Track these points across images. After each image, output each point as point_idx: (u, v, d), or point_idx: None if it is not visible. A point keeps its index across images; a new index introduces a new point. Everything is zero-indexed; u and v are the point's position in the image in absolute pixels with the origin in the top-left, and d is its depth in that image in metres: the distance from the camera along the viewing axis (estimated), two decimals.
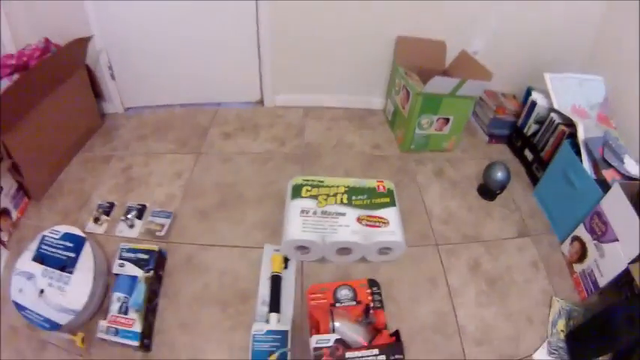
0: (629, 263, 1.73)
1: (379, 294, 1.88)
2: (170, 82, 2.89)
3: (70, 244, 1.88)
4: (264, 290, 1.92)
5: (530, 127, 2.62)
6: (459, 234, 2.28)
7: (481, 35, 2.74)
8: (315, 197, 2.08)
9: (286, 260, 2.04)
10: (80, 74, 2.59)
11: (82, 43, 2.50)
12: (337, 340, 1.62)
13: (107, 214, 2.27)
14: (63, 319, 1.70)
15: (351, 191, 2.12)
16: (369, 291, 1.87)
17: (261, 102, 3.09)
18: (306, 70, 2.94)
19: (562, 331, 1.87)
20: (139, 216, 2.25)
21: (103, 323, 1.72)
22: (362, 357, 1.59)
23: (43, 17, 2.46)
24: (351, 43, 2.81)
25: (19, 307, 1.71)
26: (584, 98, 2.43)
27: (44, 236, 1.90)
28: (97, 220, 2.23)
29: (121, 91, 2.88)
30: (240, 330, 1.77)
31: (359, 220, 2.01)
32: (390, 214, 2.06)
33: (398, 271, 2.07)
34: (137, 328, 1.71)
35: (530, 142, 2.62)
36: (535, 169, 2.55)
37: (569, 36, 2.75)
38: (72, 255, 1.84)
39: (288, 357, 1.66)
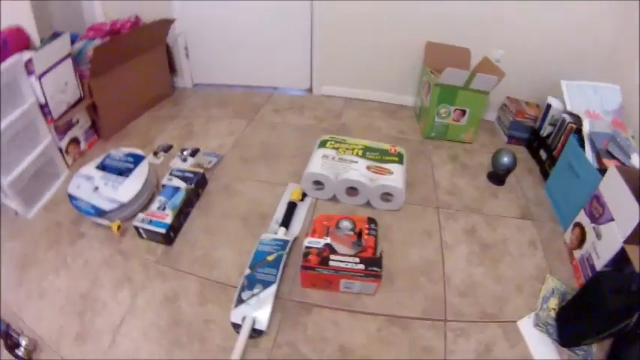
0: (623, 242, 1.78)
1: (375, 230, 2.12)
2: (234, 66, 3.37)
3: (131, 159, 2.23)
4: (280, 213, 2.26)
5: (546, 129, 2.80)
6: (460, 204, 2.48)
7: (502, 44, 2.97)
8: (336, 149, 2.42)
9: (304, 195, 2.38)
10: (160, 49, 3.08)
11: (166, 24, 3.00)
12: (326, 244, 1.91)
13: (165, 151, 2.65)
14: (108, 206, 2.03)
15: (367, 149, 2.45)
16: (367, 226, 2.11)
17: (310, 90, 3.52)
18: (350, 66, 3.37)
19: (553, 309, 1.93)
20: (192, 154, 2.62)
21: (141, 215, 2.07)
22: (343, 261, 1.86)
23: None
24: (389, 46, 3.20)
25: (72, 198, 2.05)
26: (599, 104, 2.55)
27: (110, 152, 2.26)
28: (155, 154, 2.62)
29: (192, 69, 3.37)
30: (252, 239, 2.11)
31: (368, 167, 2.32)
32: (395, 168, 2.36)
33: (397, 220, 2.33)
34: (168, 220, 2.05)
35: (545, 143, 2.79)
36: (547, 167, 2.69)
37: (588, 46, 2.88)
38: (130, 166, 2.19)
39: (283, 259, 1.95)
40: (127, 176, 2.16)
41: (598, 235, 1.95)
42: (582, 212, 2.12)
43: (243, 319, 1.76)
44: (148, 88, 3.09)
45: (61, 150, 2.44)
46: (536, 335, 1.85)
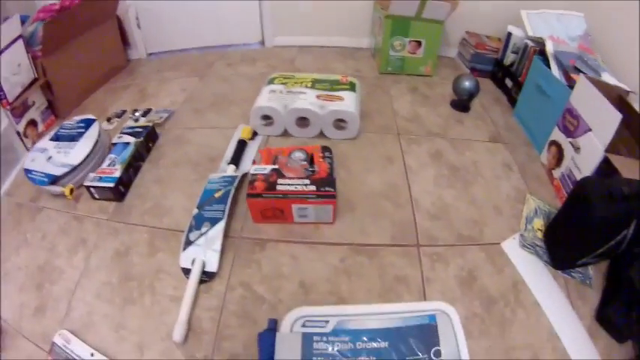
0: (605, 150, 1.57)
1: (330, 158, 1.84)
2: (186, 30, 3.12)
3: (82, 124, 2.05)
4: (229, 152, 1.99)
5: (509, 58, 2.55)
6: (423, 130, 2.21)
7: None
8: (284, 84, 2.15)
9: (254, 134, 2.11)
10: (111, 22, 2.85)
11: None
12: (273, 170, 1.62)
13: (119, 117, 2.42)
14: (60, 171, 1.84)
15: (316, 81, 2.19)
16: (320, 154, 1.83)
17: (262, 43, 3.24)
18: (300, 14, 3.08)
19: (539, 229, 1.70)
20: (144, 115, 2.39)
21: (91, 174, 1.86)
22: (292, 184, 1.58)
23: None
24: None
25: (27, 172, 1.87)
26: (564, 31, 2.31)
27: (63, 123, 2.09)
28: (109, 119, 2.40)
29: (145, 39, 3.10)
30: (202, 182, 1.84)
31: (318, 97, 2.05)
32: (347, 95, 2.09)
33: (354, 148, 2.05)
34: (117, 174, 1.84)
35: (509, 71, 2.55)
36: (514, 94, 2.46)
37: None
38: (82, 131, 2.01)
39: (231, 193, 1.68)
40: (78, 140, 1.96)
41: (576, 149, 1.73)
42: (556, 129, 1.90)
43: (193, 262, 1.50)
44: (102, 62, 2.85)
45: (19, 133, 2.22)
46: (525, 257, 1.59)
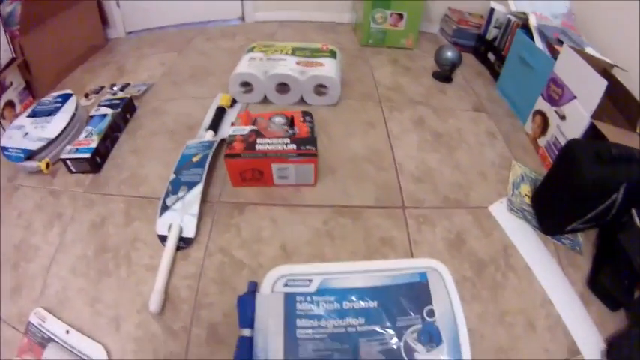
0: (591, 117, 1.49)
1: (311, 122, 1.70)
2: (166, 6, 2.94)
3: (59, 99, 1.90)
4: (208, 119, 1.84)
5: (491, 33, 2.44)
6: (405, 98, 2.07)
7: None
8: (264, 52, 2.00)
9: (233, 101, 1.95)
10: (90, 1, 2.68)
11: None
12: (252, 131, 1.47)
13: (97, 92, 2.26)
14: (36, 145, 1.68)
15: (297, 49, 2.03)
16: (301, 118, 1.69)
17: (242, 18, 3.07)
18: None
19: (527, 195, 1.59)
20: (122, 89, 2.22)
21: (68, 147, 1.70)
22: (272, 144, 1.44)
23: None
24: None
25: (4, 150, 1.71)
26: (547, 9, 2.19)
27: (41, 100, 1.94)
28: (87, 95, 2.23)
29: (125, 17, 2.90)
30: (180, 150, 1.68)
31: (298, 63, 1.90)
32: (327, 61, 1.94)
33: (335, 114, 1.91)
34: (93, 145, 1.68)
35: (492, 45, 2.43)
36: (497, 67, 2.34)
37: None
38: (59, 105, 1.86)
39: (209, 157, 1.54)
40: (55, 114, 1.80)
41: (562, 117, 1.64)
42: (540, 99, 1.80)
43: (169, 228, 1.36)
44: (81, 41, 2.66)
45: None
46: (514, 222, 1.48)
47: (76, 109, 1.83)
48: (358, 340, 1.04)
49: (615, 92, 1.53)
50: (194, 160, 1.55)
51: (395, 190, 1.56)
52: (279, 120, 1.64)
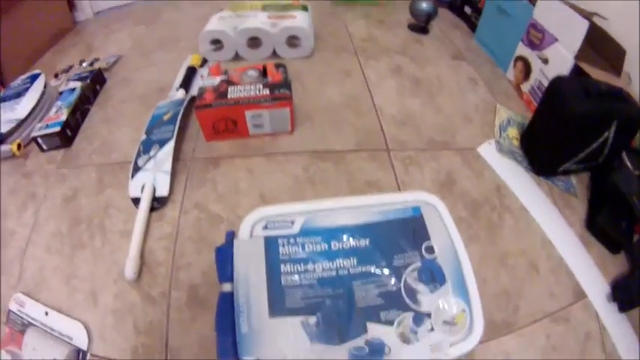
0: (575, 58, 1.36)
1: (285, 72, 1.50)
2: None
3: (28, 80, 1.73)
4: (178, 79, 1.65)
5: None
6: (380, 49, 1.88)
7: None
8: (234, 10, 1.82)
9: (204, 61, 1.77)
10: None
11: None
12: (224, 80, 1.31)
13: (66, 71, 2.05)
14: (5, 127, 1.51)
15: (267, 5, 1.84)
16: (275, 69, 1.50)
17: None
18: None
19: (515, 138, 1.45)
20: (92, 64, 2.02)
21: (38, 125, 1.52)
22: (244, 90, 1.29)
23: None
24: None
25: None
26: None
27: (9, 84, 1.77)
28: (56, 75, 2.03)
29: None
30: (151, 112, 1.48)
31: (269, 17, 1.72)
32: (299, 14, 1.75)
33: (309, 65, 1.72)
34: (63, 118, 1.50)
35: None
36: (474, 19, 2.16)
37: None
38: (27, 86, 1.68)
39: (181, 112, 1.36)
40: (24, 95, 1.62)
41: (544, 61, 1.51)
42: (521, 44, 1.67)
43: (142, 188, 1.19)
44: (48, 26, 2.46)
45: None
46: (504, 162, 1.35)
47: (45, 87, 1.66)
48: (351, 283, 0.88)
49: (597, 39, 1.41)
50: (165, 118, 1.36)
51: (377, 134, 1.39)
52: (251, 72, 1.45)
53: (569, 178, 1.34)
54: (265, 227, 0.93)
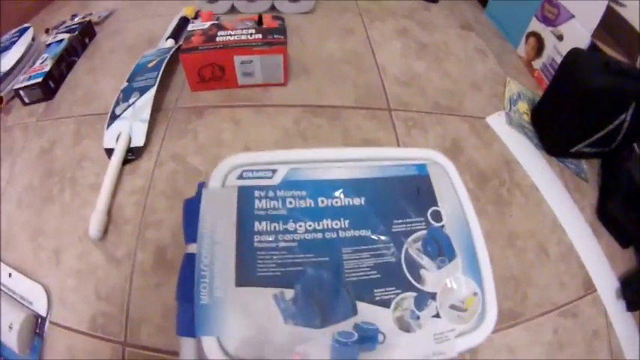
0: (593, 36, 1.15)
1: (283, 24, 1.25)
2: None
3: (17, 34, 1.53)
4: (169, 30, 1.45)
5: None
6: (386, 11, 1.64)
7: None
8: None
9: (197, 13, 1.53)
10: None
11: None
12: (214, 24, 1.10)
13: (57, 27, 1.78)
14: None
15: None
16: (272, 19, 1.26)
17: None
18: None
19: (525, 113, 1.24)
20: (83, 18, 1.76)
21: (21, 77, 1.33)
22: (234, 34, 1.06)
23: None
24: None
25: None
26: None
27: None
28: (47, 31, 1.80)
29: None
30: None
31: None
32: None
33: (310, 21, 1.49)
34: (46, 69, 1.30)
35: None
36: None
37: None
38: (15, 40, 1.48)
39: (167, 59, 1.16)
40: (11, 47, 1.44)
41: (559, 37, 1.29)
42: (534, 20, 1.44)
43: (118, 138, 0.99)
44: None
45: None
46: (514, 135, 1.12)
47: (32, 39, 1.47)
48: (341, 250, 0.68)
49: (612, 23, 1.20)
50: (149, 65, 1.16)
51: (378, 91, 1.18)
52: (247, 23, 1.22)
53: (580, 162, 1.15)
54: (241, 176, 0.70)
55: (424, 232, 0.72)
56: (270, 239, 0.68)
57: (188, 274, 0.68)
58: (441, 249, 0.72)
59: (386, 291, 0.67)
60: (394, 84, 1.21)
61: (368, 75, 1.22)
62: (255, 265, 0.66)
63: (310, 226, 0.70)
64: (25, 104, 1.29)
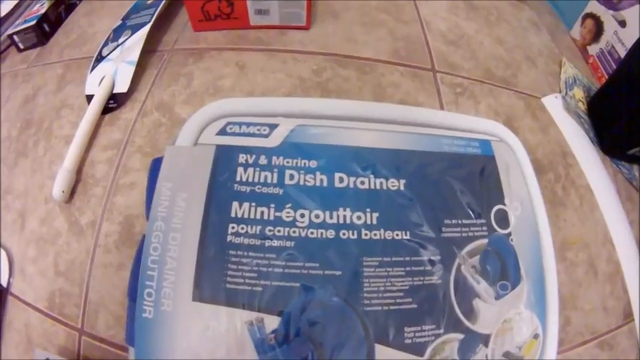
0: None
1: None
2: None
3: None
4: None
5: None
6: None
7: None
8: None
9: None
10: None
11: None
12: None
13: None
14: None
15: None
16: None
17: None
18: None
19: (581, 100, 0.93)
20: None
21: (17, 21, 1.07)
22: None
23: None
24: None
25: None
26: None
27: None
28: None
29: None
30: None
31: None
32: None
33: None
34: (42, 11, 1.02)
35: None
36: None
37: None
38: None
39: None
40: None
41: (621, 23, 0.97)
42: (594, 1, 1.11)
43: (101, 82, 0.69)
44: None
45: None
46: (571, 125, 0.81)
47: None
48: (361, 260, 0.37)
49: None
50: (148, 2, 0.85)
51: (421, 47, 0.85)
52: None
53: (632, 167, 0.89)
54: (223, 131, 0.38)
55: (484, 241, 0.38)
56: (253, 232, 0.36)
57: (136, 263, 0.38)
58: (504, 269, 0.41)
59: (422, 330, 0.36)
60: (440, 41, 0.87)
61: (409, 27, 0.88)
62: (224, 271, 0.37)
63: (318, 217, 0.38)
64: (19, 50, 1.03)
